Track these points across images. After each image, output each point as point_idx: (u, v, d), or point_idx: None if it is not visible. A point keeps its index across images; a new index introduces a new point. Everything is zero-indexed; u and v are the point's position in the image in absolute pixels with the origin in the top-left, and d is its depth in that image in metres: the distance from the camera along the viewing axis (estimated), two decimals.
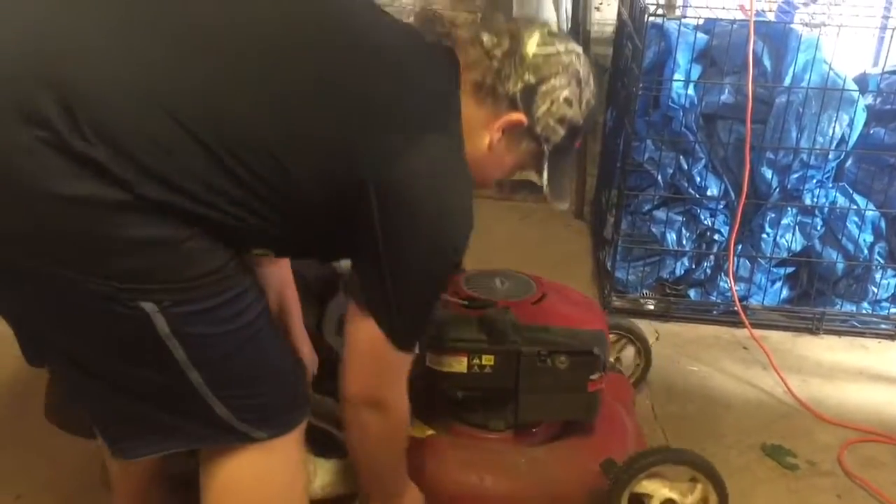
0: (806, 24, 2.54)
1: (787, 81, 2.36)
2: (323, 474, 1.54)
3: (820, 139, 2.39)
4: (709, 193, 2.50)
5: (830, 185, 2.49)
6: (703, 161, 2.49)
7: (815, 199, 2.48)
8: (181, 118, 0.95)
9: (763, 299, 2.58)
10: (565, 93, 1.19)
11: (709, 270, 2.60)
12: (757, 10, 2.44)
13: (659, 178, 2.51)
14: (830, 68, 2.37)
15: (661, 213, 2.57)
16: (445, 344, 1.58)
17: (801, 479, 1.92)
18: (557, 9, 2.88)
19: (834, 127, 2.38)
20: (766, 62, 2.38)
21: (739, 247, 2.52)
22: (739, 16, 2.43)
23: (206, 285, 1.03)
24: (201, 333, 1.04)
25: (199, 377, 1.06)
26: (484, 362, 1.60)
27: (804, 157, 2.41)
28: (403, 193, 1.08)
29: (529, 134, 1.20)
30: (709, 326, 2.58)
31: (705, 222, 2.54)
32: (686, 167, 2.49)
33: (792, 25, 2.46)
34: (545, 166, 1.24)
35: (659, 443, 2.03)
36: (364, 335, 1.18)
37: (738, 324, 2.49)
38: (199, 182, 0.97)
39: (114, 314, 0.99)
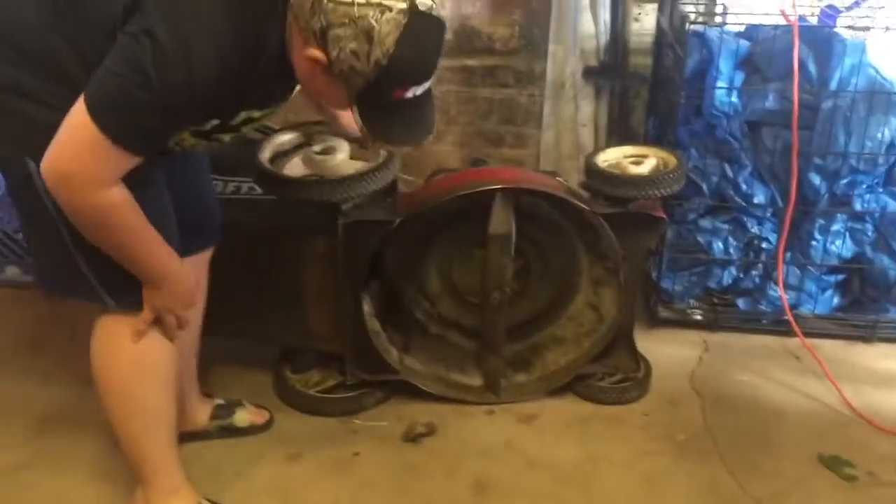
0: (850, 28, 2.50)
1: (834, 86, 2.32)
2: None
3: (868, 143, 2.34)
4: (755, 201, 2.47)
5: (881, 190, 2.45)
6: (749, 168, 2.46)
7: (866, 205, 2.44)
8: None
9: (814, 307, 2.53)
10: (352, 45, 1.27)
11: (757, 279, 2.56)
12: (800, 16, 2.42)
13: (704, 186, 2.48)
14: (877, 72, 2.34)
15: (706, 223, 2.54)
16: None
17: (861, 491, 1.89)
18: (596, 21, 2.88)
19: (883, 131, 2.34)
20: (811, 67, 2.35)
21: (788, 255, 2.48)
22: (781, 21, 2.40)
23: None
24: None
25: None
26: None
27: (853, 162, 2.37)
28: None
29: (330, 72, 1.31)
30: (758, 336, 2.55)
31: (752, 230, 2.51)
32: (731, 175, 2.46)
33: (836, 29, 2.42)
34: (355, 108, 1.36)
35: (710, 455, 2.00)
36: (71, 114, 1.30)
37: (788, 333, 2.44)
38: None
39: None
